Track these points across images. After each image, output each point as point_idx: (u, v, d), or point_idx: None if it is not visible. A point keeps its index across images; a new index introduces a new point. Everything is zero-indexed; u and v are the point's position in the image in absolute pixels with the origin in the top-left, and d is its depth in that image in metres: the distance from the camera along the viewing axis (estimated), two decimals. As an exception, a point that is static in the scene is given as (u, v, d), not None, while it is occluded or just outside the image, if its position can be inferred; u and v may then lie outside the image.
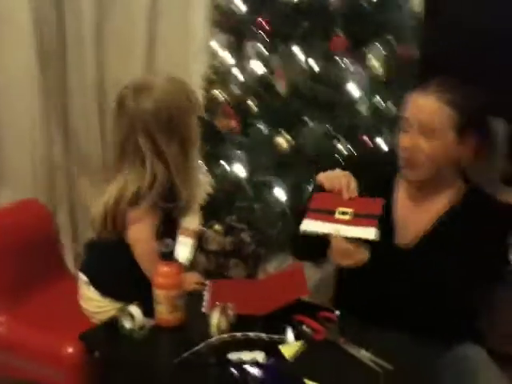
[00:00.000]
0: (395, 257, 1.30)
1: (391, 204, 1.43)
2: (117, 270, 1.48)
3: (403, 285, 1.26)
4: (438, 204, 1.39)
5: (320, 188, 1.38)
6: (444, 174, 1.36)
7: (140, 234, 1.42)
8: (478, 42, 1.86)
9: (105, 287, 1.50)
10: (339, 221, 1.28)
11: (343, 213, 1.29)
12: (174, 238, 1.48)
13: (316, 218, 1.30)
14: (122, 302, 1.33)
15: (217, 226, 2.13)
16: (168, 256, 1.22)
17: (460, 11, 1.97)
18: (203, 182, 1.43)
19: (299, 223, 1.39)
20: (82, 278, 1.53)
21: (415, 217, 1.40)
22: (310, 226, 1.30)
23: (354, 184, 1.34)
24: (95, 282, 1.51)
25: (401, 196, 1.45)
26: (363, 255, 1.26)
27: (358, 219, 1.27)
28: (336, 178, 1.34)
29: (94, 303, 1.51)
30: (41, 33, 2.47)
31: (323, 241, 1.34)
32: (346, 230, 1.26)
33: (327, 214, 1.30)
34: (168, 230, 1.48)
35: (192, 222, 2.24)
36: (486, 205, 1.37)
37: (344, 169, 1.40)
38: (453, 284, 1.27)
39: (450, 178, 1.39)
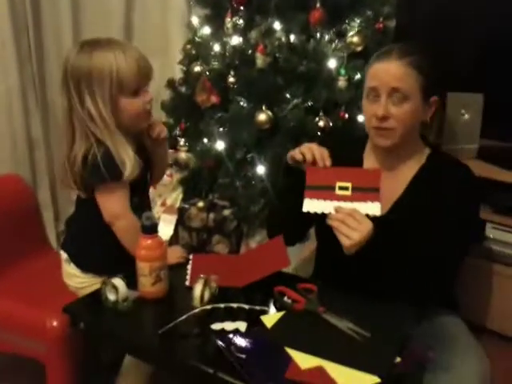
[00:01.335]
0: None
1: None
2: (96, 246, 1.48)
3: (379, 253, 1.26)
4: (406, 170, 1.41)
5: (290, 166, 1.37)
6: (412, 138, 1.39)
7: (114, 209, 1.42)
8: (456, 13, 1.88)
9: (85, 263, 1.50)
10: (340, 197, 1.26)
11: (343, 188, 1.28)
12: (145, 208, 1.49)
13: (316, 197, 1.28)
14: (102, 277, 1.35)
15: (199, 203, 2.14)
16: (150, 229, 1.24)
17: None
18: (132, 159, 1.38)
19: (281, 199, 1.41)
20: (63, 255, 1.54)
21: (386, 185, 1.38)
22: (312, 206, 1.27)
23: (327, 153, 1.33)
24: (75, 259, 1.52)
25: (370, 165, 1.46)
26: (370, 225, 1.24)
27: (359, 194, 1.26)
28: (308, 151, 1.33)
29: (76, 279, 1.52)
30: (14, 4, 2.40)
31: (301, 223, 1.35)
32: (347, 207, 1.24)
33: (327, 191, 1.28)
34: (141, 200, 1.50)
35: (175, 198, 2.25)
36: (453, 166, 1.40)
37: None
38: (429, 249, 1.29)
39: (416, 141, 1.42)
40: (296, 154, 1.35)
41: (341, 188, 1.28)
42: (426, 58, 1.35)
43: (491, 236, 1.77)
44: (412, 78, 1.31)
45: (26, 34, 2.47)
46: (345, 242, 1.22)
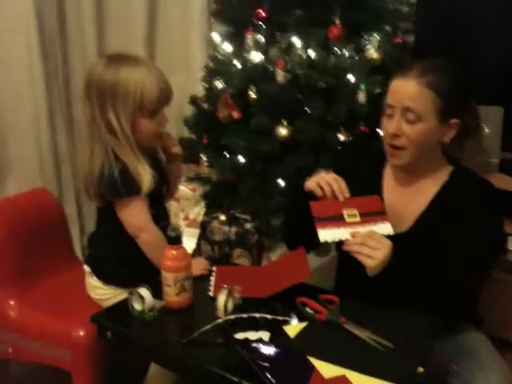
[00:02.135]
0: (393, 243, 1.28)
1: (381, 194, 1.44)
2: (117, 258, 1.52)
3: (402, 270, 1.27)
4: (428, 186, 1.40)
5: (309, 195, 1.38)
6: (429, 157, 1.38)
7: (138, 222, 1.46)
8: (475, 27, 1.90)
9: (107, 276, 1.54)
10: (351, 223, 1.29)
11: (351, 215, 1.31)
12: (163, 220, 1.53)
13: (328, 226, 1.29)
14: (125, 289, 1.40)
15: (221, 217, 2.17)
16: (175, 240, 1.27)
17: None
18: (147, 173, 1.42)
19: (293, 215, 1.43)
20: (86, 268, 1.59)
21: (406, 202, 1.41)
22: (327, 235, 1.28)
23: (344, 184, 1.35)
24: (97, 272, 1.56)
25: (388, 184, 1.46)
26: (389, 243, 1.25)
27: (367, 218, 1.29)
28: (326, 185, 1.34)
29: (99, 291, 1.56)
30: (41, 18, 2.46)
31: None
32: (362, 231, 1.26)
33: (337, 220, 1.30)
34: (159, 212, 1.53)
35: (197, 213, 2.29)
36: (475, 182, 1.39)
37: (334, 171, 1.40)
38: (451, 266, 1.28)
39: (436, 159, 1.41)
40: (314, 188, 1.36)
41: (349, 215, 1.30)
42: (447, 78, 1.32)
43: (514, 249, 1.77)
44: (427, 99, 1.29)
45: (53, 54, 2.54)
46: (369, 262, 1.23)
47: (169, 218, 1.63)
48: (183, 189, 2.36)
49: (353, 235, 1.26)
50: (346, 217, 1.31)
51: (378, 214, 1.30)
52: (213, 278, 1.42)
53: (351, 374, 1.03)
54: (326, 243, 1.30)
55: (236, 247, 2.10)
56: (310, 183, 1.37)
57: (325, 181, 1.35)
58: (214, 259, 2.07)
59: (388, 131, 1.34)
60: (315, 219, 1.31)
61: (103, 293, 1.55)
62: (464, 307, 1.37)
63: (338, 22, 2.05)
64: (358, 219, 1.30)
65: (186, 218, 2.25)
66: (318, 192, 1.35)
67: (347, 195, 1.34)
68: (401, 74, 1.34)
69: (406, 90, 1.30)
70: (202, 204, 2.25)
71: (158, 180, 1.46)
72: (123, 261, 1.51)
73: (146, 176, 1.42)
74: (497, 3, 1.98)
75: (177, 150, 1.58)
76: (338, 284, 1.59)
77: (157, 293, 1.27)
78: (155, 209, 1.51)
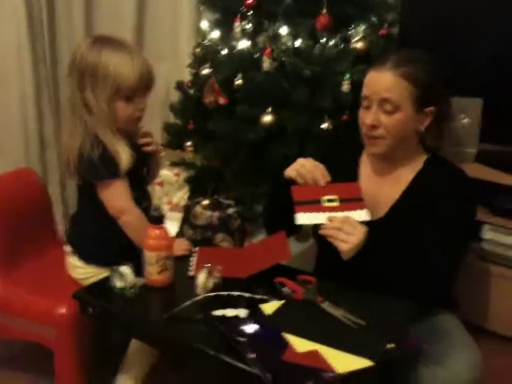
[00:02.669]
0: (369, 230, 1.31)
1: (357, 182, 1.48)
2: (98, 238, 1.54)
3: (377, 255, 1.30)
4: (404, 174, 1.44)
5: (289, 182, 1.40)
6: (406, 145, 1.41)
7: (119, 204, 1.48)
8: (458, 20, 1.94)
9: (88, 255, 1.57)
10: (329, 208, 1.33)
11: (329, 200, 1.35)
12: (144, 202, 1.56)
13: (306, 210, 1.33)
14: (105, 268, 1.43)
15: (204, 202, 2.19)
16: (158, 219, 1.30)
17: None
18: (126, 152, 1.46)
19: (275, 201, 1.47)
20: (67, 248, 1.61)
21: (382, 190, 1.45)
22: (304, 218, 1.33)
23: (325, 170, 1.38)
24: (79, 251, 1.58)
25: (365, 172, 1.50)
26: (364, 229, 1.29)
27: (345, 204, 1.33)
28: (308, 173, 1.37)
29: (80, 270, 1.58)
30: (30, 3, 2.46)
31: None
32: (340, 216, 1.30)
33: (315, 204, 1.34)
34: (140, 193, 1.56)
35: (180, 197, 2.31)
36: (449, 171, 1.43)
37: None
38: (425, 251, 1.32)
39: (412, 148, 1.44)
40: (295, 176, 1.38)
41: (329, 200, 1.35)
42: (422, 69, 1.35)
43: (487, 237, 1.81)
44: (403, 89, 1.33)
45: (41, 38, 2.54)
46: (343, 247, 1.27)
47: (150, 200, 1.66)
48: (167, 173, 2.37)
49: (330, 220, 1.30)
50: (325, 202, 1.34)
51: (356, 201, 1.34)
52: (194, 259, 1.45)
53: (324, 349, 1.07)
54: (305, 228, 1.34)
55: (218, 231, 2.12)
56: (291, 171, 1.40)
57: (305, 169, 1.38)
58: (196, 241, 2.09)
59: (365, 122, 1.38)
60: (295, 203, 1.35)
61: (84, 272, 1.57)
62: (439, 293, 1.40)
63: (325, 12, 2.07)
64: (336, 204, 1.34)
65: (170, 203, 2.27)
66: (299, 180, 1.38)
67: (328, 179, 1.37)
68: (376, 66, 1.37)
69: (382, 81, 1.34)
70: (186, 189, 2.27)
71: (136, 160, 1.48)
72: (104, 241, 1.53)
73: (124, 155, 1.44)
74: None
75: (153, 148, 1.61)
76: (316, 268, 1.63)
77: (138, 271, 1.30)
78: (136, 191, 1.54)
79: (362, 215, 1.32)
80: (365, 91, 1.39)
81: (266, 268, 1.34)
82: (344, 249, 1.27)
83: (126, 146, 1.46)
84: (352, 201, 1.34)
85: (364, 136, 1.42)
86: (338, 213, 1.32)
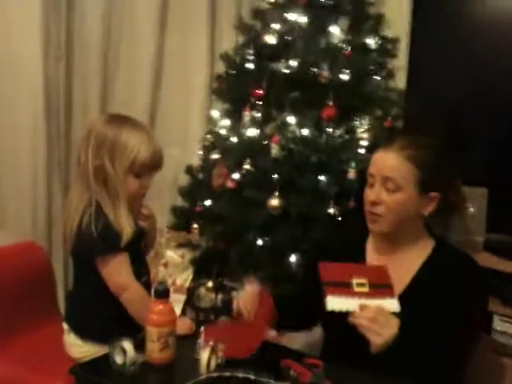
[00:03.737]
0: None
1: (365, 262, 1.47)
2: (95, 314, 1.52)
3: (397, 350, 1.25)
4: (410, 260, 1.42)
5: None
6: (409, 227, 1.41)
7: (120, 280, 1.47)
8: (461, 110, 2.03)
9: (84, 332, 1.54)
10: (360, 294, 1.26)
11: (360, 284, 1.28)
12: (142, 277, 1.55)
13: (337, 293, 1.26)
14: (101, 346, 1.40)
15: (208, 284, 2.17)
16: (162, 293, 1.27)
17: (439, 87, 2.15)
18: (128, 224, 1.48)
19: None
20: (64, 326, 1.58)
21: (392, 274, 1.39)
22: (335, 304, 1.25)
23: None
24: (75, 328, 1.55)
25: (372, 257, 1.49)
26: (397, 321, 1.24)
27: (376, 290, 1.27)
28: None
29: (76, 349, 1.54)
30: (48, 87, 2.60)
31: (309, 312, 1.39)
32: (371, 304, 1.24)
33: (345, 287, 1.27)
34: (140, 267, 1.56)
35: (185, 278, 2.28)
36: (459, 259, 1.41)
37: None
38: (433, 346, 1.29)
39: (417, 231, 1.44)
40: None
41: (358, 284, 1.28)
42: (428, 153, 1.38)
43: (499, 328, 1.76)
44: (407, 171, 1.36)
45: (56, 119, 2.66)
46: (377, 340, 1.22)
47: (149, 273, 1.65)
48: (172, 255, 2.36)
49: (361, 308, 1.25)
50: (354, 285, 1.27)
51: (387, 287, 1.29)
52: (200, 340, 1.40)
53: None
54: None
55: (221, 315, 2.07)
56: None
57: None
58: (199, 323, 2.04)
59: (368, 199, 1.41)
60: (324, 284, 1.27)
61: (80, 351, 1.53)
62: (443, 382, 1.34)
63: (331, 104, 2.17)
64: (366, 290, 1.27)
65: (173, 284, 2.24)
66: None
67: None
68: (383, 147, 1.42)
69: (387, 160, 1.38)
70: (190, 270, 2.25)
71: (137, 234, 1.50)
72: (102, 316, 1.50)
73: (127, 227, 1.46)
74: (480, 94, 2.12)
75: (151, 225, 1.63)
76: (323, 353, 1.57)
77: (138, 347, 1.25)
78: (136, 265, 1.53)
79: (393, 305, 1.26)
80: (370, 169, 1.43)
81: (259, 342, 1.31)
82: (377, 342, 1.22)
83: (129, 218, 1.48)
84: (382, 287, 1.28)
85: (366, 213, 1.43)
86: (370, 300, 1.25)
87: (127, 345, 1.23)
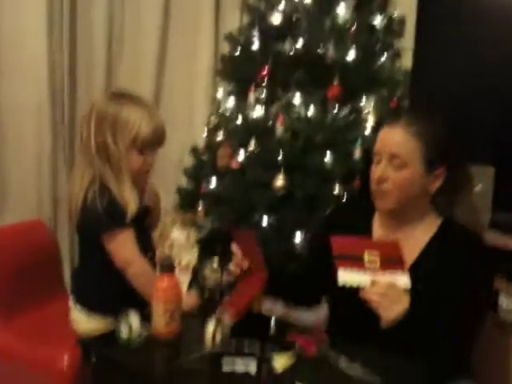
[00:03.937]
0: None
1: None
2: (101, 291, 1.52)
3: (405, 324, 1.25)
4: (417, 237, 1.41)
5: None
6: (416, 205, 1.40)
7: (126, 255, 1.47)
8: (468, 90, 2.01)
9: (91, 304, 1.54)
10: (372, 269, 1.26)
11: (372, 259, 1.27)
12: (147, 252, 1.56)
13: (349, 267, 1.26)
14: (107, 319, 1.41)
15: (214, 264, 2.17)
16: (168, 268, 1.27)
17: (445, 67, 2.13)
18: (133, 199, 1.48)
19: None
20: (70, 303, 1.58)
21: None
22: (347, 278, 1.25)
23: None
24: (82, 300, 1.55)
25: (378, 234, 1.48)
26: (408, 297, 1.25)
27: (387, 265, 1.26)
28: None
29: (83, 325, 1.54)
30: (53, 71, 2.62)
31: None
32: (383, 280, 1.24)
33: (357, 261, 1.27)
34: (145, 243, 1.56)
35: (190, 258, 2.28)
36: (465, 236, 1.40)
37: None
38: (442, 319, 1.29)
39: (423, 208, 1.43)
40: None
41: (370, 259, 1.28)
42: (434, 130, 1.38)
43: (504, 306, 1.76)
44: (413, 147, 1.34)
45: (60, 100, 2.66)
46: (388, 315, 1.23)
47: (154, 249, 1.65)
48: (177, 235, 2.36)
49: (373, 283, 1.25)
50: (366, 260, 1.27)
51: (398, 263, 1.28)
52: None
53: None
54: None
55: (226, 295, 2.08)
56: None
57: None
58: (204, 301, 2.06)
59: (374, 176, 1.39)
60: (335, 257, 1.27)
61: (87, 327, 1.52)
62: (454, 360, 1.35)
63: (336, 84, 2.15)
64: (378, 265, 1.27)
65: (178, 264, 2.24)
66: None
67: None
68: (389, 124, 1.40)
69: (393, 137, 1.37)
70: (196, 250, 2.24)
71: (140, 210, 1.50)
72: (108, 293, 1.51)
73: (131, 201, 1.46)
74: (487, 75, 2.10)
75: (156, 205, 1.66)
76: (329, 327, 1.57)
77: (144, 320, 1.26)
78: (141, 241, 1.54)
79: (403, 280, 1.26)
80: (376, 146, 1.41)
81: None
82: (388, 317, 1.23)
83: (133, 192, 1.47)
84: (393, 262, 1.27)
85: (372, 192, 1.42)
86: (381, 276, 1.25)
87: (133, 318, 1.23)
